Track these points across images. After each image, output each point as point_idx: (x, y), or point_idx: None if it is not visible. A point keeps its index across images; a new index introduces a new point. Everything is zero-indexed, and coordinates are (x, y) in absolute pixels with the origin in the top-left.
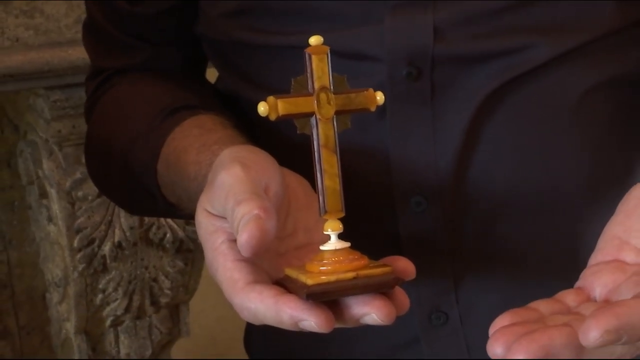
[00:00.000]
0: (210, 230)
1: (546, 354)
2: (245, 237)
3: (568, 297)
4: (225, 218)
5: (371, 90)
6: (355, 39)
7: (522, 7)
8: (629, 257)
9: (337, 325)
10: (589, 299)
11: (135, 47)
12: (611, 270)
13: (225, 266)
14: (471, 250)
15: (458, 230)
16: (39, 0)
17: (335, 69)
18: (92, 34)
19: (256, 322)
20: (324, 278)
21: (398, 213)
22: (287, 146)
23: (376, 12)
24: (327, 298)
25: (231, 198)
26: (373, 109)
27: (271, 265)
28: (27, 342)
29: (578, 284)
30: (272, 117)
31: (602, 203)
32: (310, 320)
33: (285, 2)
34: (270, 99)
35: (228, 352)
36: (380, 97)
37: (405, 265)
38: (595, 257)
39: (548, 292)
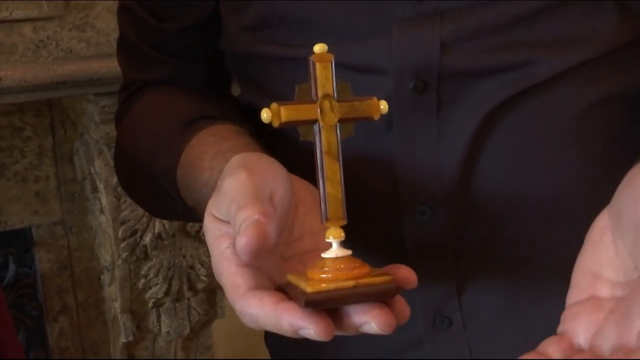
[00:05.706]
0: (216, 235)
1: None
2: (243, 242)
3: (551, 348)
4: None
5: (375, 98)
6: (364, 52)
7: (527, 23)
8: (603, 291)
9: (337, 333)
10: (572, 347)
11: (162, 61)
12: (589, 311)
13: (229, 271)
14: (474, 256)
15: (461, 238)
16: (91, 15)
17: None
18: (124, 49)
19: (257, 327)
20: (323, 286)
21: (404, 221)
22: (304, 155)
23: (385, 26)
24: (326, 306)
25: (234, 203)
26: (377, 117)
27: (276, 270)
28: (84, 317)
29: (560, 328)
30: (275, 124)
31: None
32: (310, 328)
33: (298, 16)
34: (274, 105)
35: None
36: (384, 105)
37: (407, 274)
38: (572, 295)
39: (548, 298)
